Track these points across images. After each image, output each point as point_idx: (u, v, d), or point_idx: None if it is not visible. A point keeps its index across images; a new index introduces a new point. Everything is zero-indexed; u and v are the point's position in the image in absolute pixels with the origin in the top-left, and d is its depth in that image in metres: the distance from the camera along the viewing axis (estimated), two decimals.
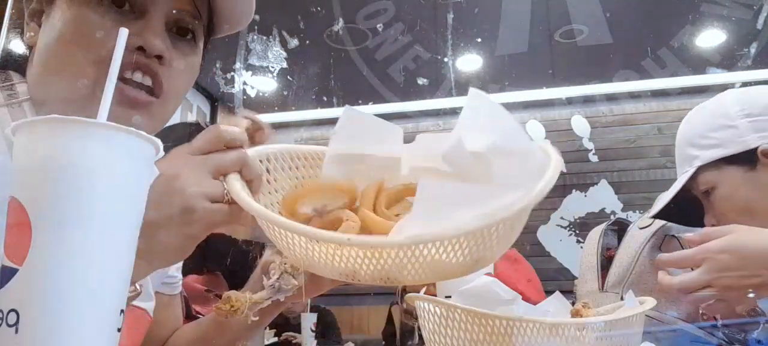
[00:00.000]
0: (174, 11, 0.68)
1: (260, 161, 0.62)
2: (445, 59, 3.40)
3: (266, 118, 1.40)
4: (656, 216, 1.28)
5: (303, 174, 0.68)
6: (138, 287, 0.53)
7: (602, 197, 3.88)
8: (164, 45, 0.66)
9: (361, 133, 0.63)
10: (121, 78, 0.63)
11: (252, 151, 0.60)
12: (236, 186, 0.54)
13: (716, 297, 0.85)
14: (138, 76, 0.65)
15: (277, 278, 0.59)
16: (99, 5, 0.65)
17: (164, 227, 0.51)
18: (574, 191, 3.92)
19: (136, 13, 0.66)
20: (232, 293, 0.59)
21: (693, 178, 1.14)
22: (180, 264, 0.95)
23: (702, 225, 1.18)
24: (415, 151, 0.60)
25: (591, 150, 3.97)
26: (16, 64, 0.74)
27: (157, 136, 0.42)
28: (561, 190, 3.93)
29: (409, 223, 0.48)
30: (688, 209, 1.19)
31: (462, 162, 0.52)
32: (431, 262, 0.49)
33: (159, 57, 0.66)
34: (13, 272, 0.37)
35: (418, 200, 0.48)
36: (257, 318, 0.58)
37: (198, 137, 0.55)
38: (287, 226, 0.51)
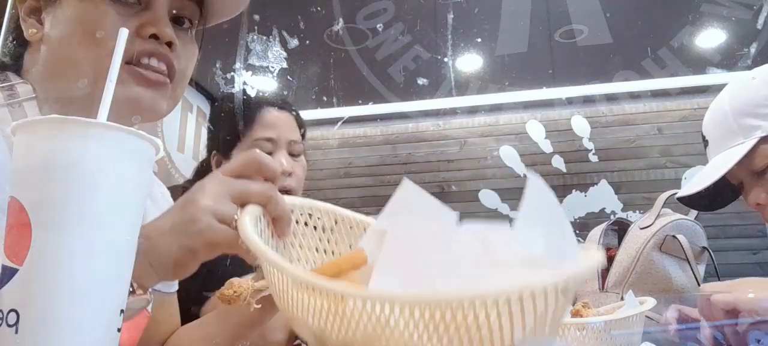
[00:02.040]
0: (175, 2, 0.73)
1: (301, 214, 0.59)
2: (445, 59, 3.40)
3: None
4: (685, 199, 1.22)
5: (336, 239, 0.61)
6: (149, 295, 0.53)
7: (602, 197, 3.88)
8: (173, 32, 0.71)
9: (413, 212, 0.54)
10: (139, 63, 0.68)
11: (292, 199, 0.59)
12: (245, 217, 0.51)
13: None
14: (154, 62, 0.70)
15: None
16: (111, 1, 0.68)
17: (167, 233, 0.51)
18: (574, 191, 3.92)
19: (142, 4, 0.70)
20: (235, 279, 0.59)
21: (749, 152, 1.08)
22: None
23: (727, 204, 1.14)
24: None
25: (591, 150, 3.97)
26: (12, 64, 0.75)
27: None
28: (561, 190, 3.93)
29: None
30: (713, 193, 1.15)
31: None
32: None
33: (169, 44, 0.71)
34: (13, 272, 0.37)
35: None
36: (260, 306, 0.58)
37: (235, 159, 0.56)
38: (278, 266, 0.44)
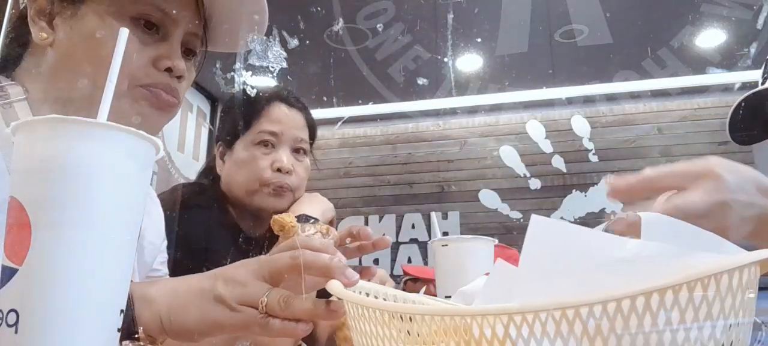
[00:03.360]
0: (186, 35, 0.77)
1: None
2: (445, 59, 3.40)
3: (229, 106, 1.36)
4: (733, 120, 1.14)
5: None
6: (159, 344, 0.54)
7: (602, 197, 3.88)
8: (184, 66, 0.76)
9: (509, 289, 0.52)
10: (151, 87, 0.72)
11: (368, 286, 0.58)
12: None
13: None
14: (165, 95, 0.74)
15: (313, 233, 0.68)
16: (134, 24, 0.71)
17: (187, 301, 0.55)
18: (574, 191, 3.91)
19: (161, 35, 0.74)
20: (282, 217, 0.67)
21: None
22: (164, 258, 0.96)
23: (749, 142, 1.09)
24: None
25: (591, 150, 3.97)
26: (7, 65, 0.75)
27: None
28: (561, 190, 3.93)
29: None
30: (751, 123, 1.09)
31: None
32: None
33: (179, 76, 0.75)
34: (13, 272, 0.37)
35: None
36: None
37: (278, 258, 0.57)
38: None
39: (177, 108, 0.77)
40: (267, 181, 1.14)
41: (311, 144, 1.26)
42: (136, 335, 0.52)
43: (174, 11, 0.73)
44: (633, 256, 0.42)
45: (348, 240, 0.83)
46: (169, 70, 0.73)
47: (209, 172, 1.28)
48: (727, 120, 1.17)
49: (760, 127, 1.12)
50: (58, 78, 0.71)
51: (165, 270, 0.96)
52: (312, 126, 1.26)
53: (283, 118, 1.20)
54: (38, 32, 0.71)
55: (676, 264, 0.39)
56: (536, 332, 0.38)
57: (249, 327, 0.53)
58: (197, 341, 0.56)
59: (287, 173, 1.15)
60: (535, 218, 0.49)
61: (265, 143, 1.16)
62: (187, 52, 0.79)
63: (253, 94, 1.22)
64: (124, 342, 0.50)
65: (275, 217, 0.78)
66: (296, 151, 1.20)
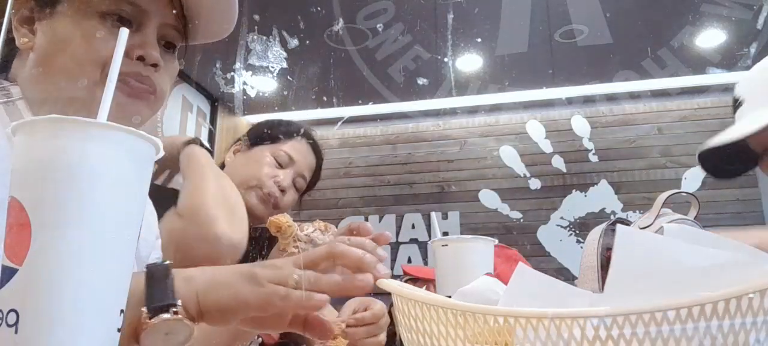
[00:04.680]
0: (162, 27, 0.78)
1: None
2: (445, 59, 3.40)
3: (266, 118, 1.45)
4: (706, 160, 1.19)
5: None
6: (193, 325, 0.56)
7: (602, 196, 3.88)
8: (158, 55, 0.76)
9: (536, 294, 0.54)
10: (124, 76, 0.72)
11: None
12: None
13: None
14: (135, 83, 0.75)
15: (312, 231, 0.71)
16: (104, 20, 0.73)
17: (223, 281, 0.58)
18: (574, 191, 3.92)
19: (134, 26, 0.75)
20: (278, 218, 0.70)
21: None
22: (159, 255, 0.96)
23: (737, 175, 1.13)
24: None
25: (591, 150, 3.97)
26: (2, 68, 0.77)
27: None
28: (561, 190, 3.93)
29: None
30: (729, 157, 1.13)
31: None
32: None
33: (154, 65, 0.76)
34: (13, 272, 0.37)
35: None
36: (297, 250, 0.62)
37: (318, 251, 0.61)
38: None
39: (155, 97, 0.78)
40: (263, 183, 1.25)
41: (309, 187, 1.39)
42: (175, 309, 0.53)
43: (146, 5, 0.75)
44: (710, 263, 0.46)
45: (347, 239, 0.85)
46: (141, 59, 0.74)
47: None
48: (698, 156, 1.22)
49: (732, 166, 1.17)
50: (37, 80, 0.73)
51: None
52: (317, 174, 1.40)
53: (304, 152, 1.34)
54: (20, 38, 0.74)
55: (751, 271, 0.44)
56: (626, 334, 0.42)
57: (270, 301, 0.55)
58: (228, 322, 0.58)
59: (282, 190, 1.28)
60: (620, 229, 0.52)
61: (278, 160, 1.30)
62: (167, 45, 0.80)
63: (291, 120, 1.40)
64: (162, 315, 0.52)
65: (271, 219, 0.81)
66: (294, 183, 1.33)
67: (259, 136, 1.35)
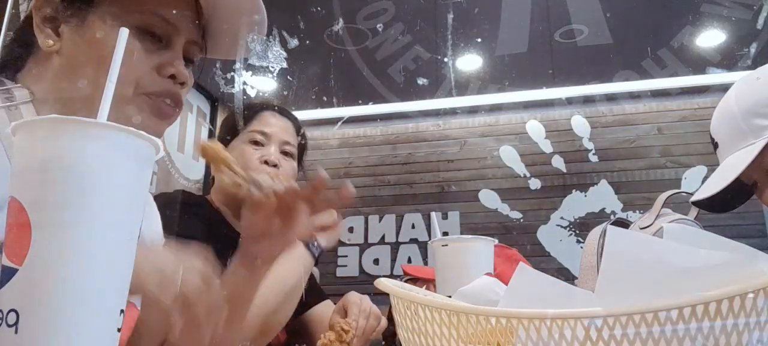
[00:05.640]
0: (187, 43, 0.79)
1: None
2: (445, 59, 3.40)
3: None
4: (701, 203, 1.22)
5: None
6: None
7: (602, 196, 3.88)
8: (187, 72, 0.78)
9: (537, 295, 0.54)
10: (155, 95, 0.75)
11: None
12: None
13: None
14: (169, 102, 0.76)
15: (259, 176, 0.74)
16: (138, 36, 0.73)
17: None
18: (574, 191, 3.92)
19: (164, 43, 0.76)
20: (205, 145, 0.73)
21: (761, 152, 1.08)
22: (161, 234, 0.96)
23: (734, 207, 1.16)
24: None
25: (591, 150, 3.97)
26: (7, 68, 0.75)
27: None
28: (561, 190, 3.93)
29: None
30: (727, 194, 1.15)
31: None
32: None
33: (182, 83, 0.77)
34: (13, 272, 0.37)
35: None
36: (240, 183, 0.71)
37: None
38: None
39: (178, 113, 0.79)
40: (256, 172, 1.25)
41: (300, 154, 1.39)
42: None
43: (176, 21, 0.76)
44: (703, 264, 0.46)
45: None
46: (172, 76, 0.75)
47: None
48: (691, 203, 1.26)
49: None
50: (64, 84, 0.72)
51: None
52: (300, 132, 1.40)
53: (273, 122, 1.34)
54: (45, 39, 0.72)
55: (748, 271, 0.44)
56: (629, 334, 0.43)
57: None
58: None
59: (274, 166, 1.27)
60: (611, 230, 0.53)
61: (256, 142, 1.30)
62: (187, 61, 0.81)
63: (240, 104, 1.42)
64: None
65: (202, 144, 0.78)
66: (283, 153, 1.33)
67: (229, 130, 1.36)
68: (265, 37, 0.88)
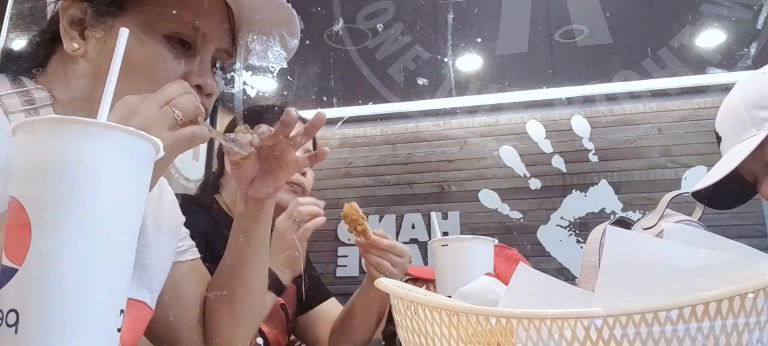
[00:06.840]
0: (217, 51, 0.79)
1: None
2: (445, 59, 3.40)
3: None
4: (702, 196, 1.23)
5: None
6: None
7: (602, 197, 3.88)
8: (214, 83, 0.78)
9: (538, 294, 0.55)
10: None
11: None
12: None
13: None
14: None
15: (234, 136, 0.76)
16: (167, 41, 0.72)
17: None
18: (574, 191, 3.91)
19: (193, 51, 0.75)
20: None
21: (762, 143, 1.09)
22: (186, 231, 0.96)
23: (736, 205, 1.16)
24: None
25: (591, 150, 3.97)
26: (20, 66, 0.74)
27: None
28: (561, 190, 3.93)
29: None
30: (730, 190, 1.16)
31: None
32: None
33: (208, 94, 0.77)
34: (13, 272, 0.37)
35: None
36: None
37: None
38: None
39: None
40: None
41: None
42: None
43: (207, 30, 0.74)
44: (703, 264, 0.46)
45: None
46: (198, 87, 0.74)
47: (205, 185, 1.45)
48: (691, 194, 1.27)
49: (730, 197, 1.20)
50: (88, 88, 0.71)
51: (191, 242, 0.97)
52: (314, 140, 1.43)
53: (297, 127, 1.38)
54: (70, 42, 0.71)
55: (748, 271, 0.44)
56: (629, 334, 0.43)
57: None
58: None
59: (303, 174, 1.35)
60: (611, 230, 0.53)
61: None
62: (214, 66, 0.80)
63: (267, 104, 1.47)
64: None
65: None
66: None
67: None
68: (297, 43, 0.89)
